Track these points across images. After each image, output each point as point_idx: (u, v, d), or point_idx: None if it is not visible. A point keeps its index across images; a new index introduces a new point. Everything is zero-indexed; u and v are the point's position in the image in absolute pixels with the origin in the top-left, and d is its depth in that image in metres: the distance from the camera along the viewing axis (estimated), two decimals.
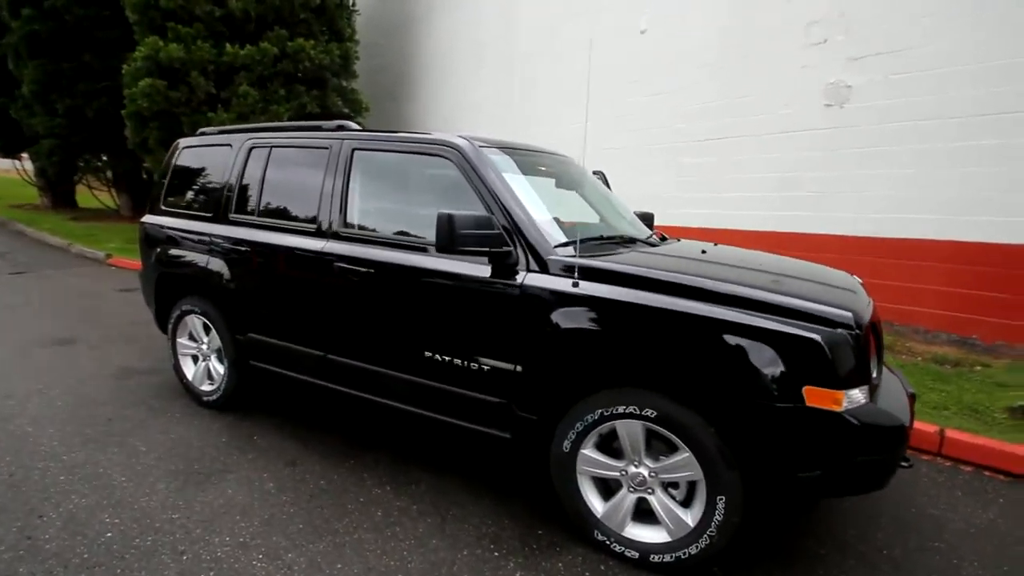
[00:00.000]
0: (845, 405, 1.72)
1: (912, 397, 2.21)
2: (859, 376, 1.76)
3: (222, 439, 2.99)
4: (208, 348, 3.35)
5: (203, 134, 3.53)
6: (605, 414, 2.02)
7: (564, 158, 3.15)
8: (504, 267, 2.20)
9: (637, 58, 7.39)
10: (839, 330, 1.75)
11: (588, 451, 2.11)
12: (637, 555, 2.05)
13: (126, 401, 3.45)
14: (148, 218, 3.58)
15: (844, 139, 5.43)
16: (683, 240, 2.98)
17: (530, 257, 2.18)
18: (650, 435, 2.01)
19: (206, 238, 3.14)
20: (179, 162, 3.48)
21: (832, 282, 2.22)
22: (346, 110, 10.96)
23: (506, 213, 2.24)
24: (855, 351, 1.74)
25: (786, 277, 2.15)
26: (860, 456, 1.75)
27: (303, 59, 9.39)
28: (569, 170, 3.09)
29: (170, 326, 3.44)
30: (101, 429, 3.06)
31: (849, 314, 1.78)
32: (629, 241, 2.59)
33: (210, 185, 3.26)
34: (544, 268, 2.16)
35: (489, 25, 10.07)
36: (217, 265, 3.07)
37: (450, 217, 2.04)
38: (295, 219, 2.87)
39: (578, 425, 2.08)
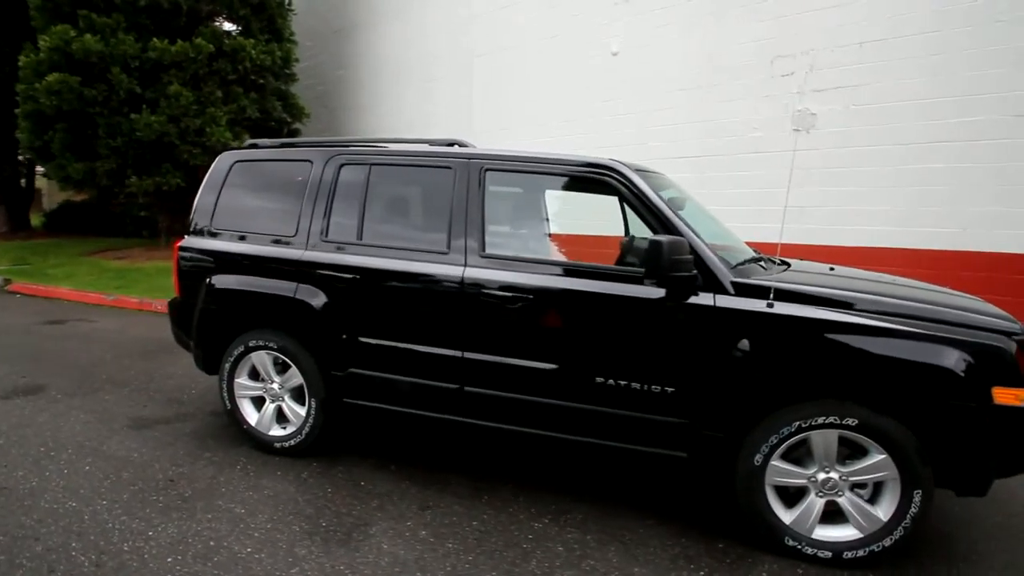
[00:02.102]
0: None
1: None
2: None
3: (327, 489, 2.68)
4: (281, 388, 2.97)
5: (256, 146, 3.15)
6: (803, 425, 2.15)
7: (661, 175, 3.25)
8: (683, 290, 2.25)
9: (608, 78, 7.76)
10: (1015, 338, 2.05)
11: (777, 462, 2.22)
12: (830, 554, 2.19)
13: (171, 456, 2.95)
14: (191, 241, 3.09)
15: (811, 160, 6.17)
16: (802, 260, 3.15)
17: (711, 279, 2.25)
18: (840, 441, 2.17)
19: (291, 264, 2.80)
20: (233, 179, 3.06)
21: (970, 298, 2.54)
22: (286, 115, 10.24)
23: (679, 236, 2.30)
24: None
25: (938, 295, 2.43)
26: None
27: (243, 59, 8.64)
28: (675, 186, 3.18)
29: (226, 365, 3.00)
30: (171, 494, 2.59)
31: (1019, 325, 2.08)
32: (760, 260, 2.74)
33: (288, 205, 2.91)
34: (723, 289, 2.25)
35: (441, 36, 9.96)
36: (309, 294, 2.75)
37: (665, 243, 2.06)
38: (415, 243, 2.67)
39: (772, 438, 2.19)
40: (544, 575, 2.11)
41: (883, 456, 2.10)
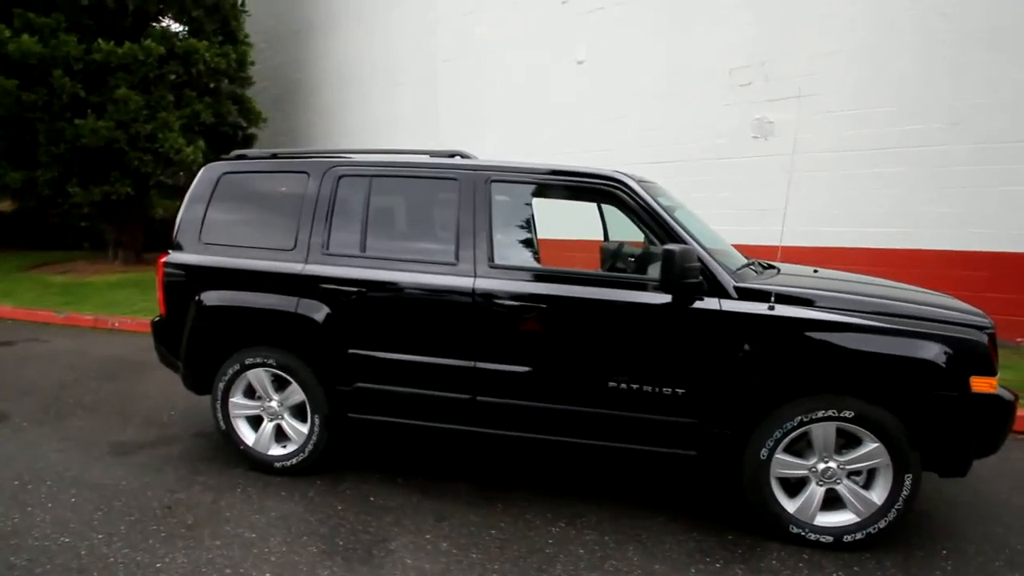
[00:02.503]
0: (997, 388, 2.23)
1: None
2: (997, 366, 2.29)
3: (337, 507, 2.63)
4: (280, 405, 2.88)
5: (245, 157, 3.05)
6: (804, 420, 2.30)
7: (655, 184, 3.36)
8: (691, 296, 2.36)
9: (575, 85, 7.92)
10: (986, 331, 2.26)
11: (781, 455, 2.36)
12: (832, 539, 2.34)
13: (163, 482, 2.81)
14: (177, 257, 2.95)
15: (771, 165, 6.52)
16: (787, 263, 3.29)
17: (715, 285, 2.37)
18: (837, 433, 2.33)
19: (291, 279, 2.73)
20: (222, 191, 2.95)
21: (941, 296, 2.75)
22: (241, 120, 9.88)
23: (685, 242, 2.40)
24: (995, 348, 2.27)
25: (914, 293, 2.64)
26: (1004, 424, 2.27)
27: (196, 62, 8.28)
28: (667, 194, 3.28)
29: (220, 385, 2.89)
30: (172, 522, 2.47)
31: (989, 320, 2.30)
32: (751, 265, 2.88)
33: (284, 218, 2.83)
34: (726, 294, 2.37)
35: (406, 40, 9.87)
36: (311, 309, 2.69)
37: (680, 252, 2.16)
38: (422, 255, 2.66)
39: (776, 433, 2.32)
40: None
41: (876, 444, 2.27)
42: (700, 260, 2.35)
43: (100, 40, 7.60)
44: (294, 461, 2.86)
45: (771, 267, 2.92)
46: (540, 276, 2.53)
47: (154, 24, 8.27)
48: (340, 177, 2.79)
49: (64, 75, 7.36)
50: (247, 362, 2.84)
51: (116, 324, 6.19)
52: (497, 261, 2.57)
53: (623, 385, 2.43)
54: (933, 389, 2.20)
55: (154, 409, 3.82)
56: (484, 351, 2.56)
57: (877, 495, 2.32)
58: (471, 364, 2.57)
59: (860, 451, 2.31)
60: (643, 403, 2.42)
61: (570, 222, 4.55)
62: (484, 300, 2.52)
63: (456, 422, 2.66)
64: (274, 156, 3.03)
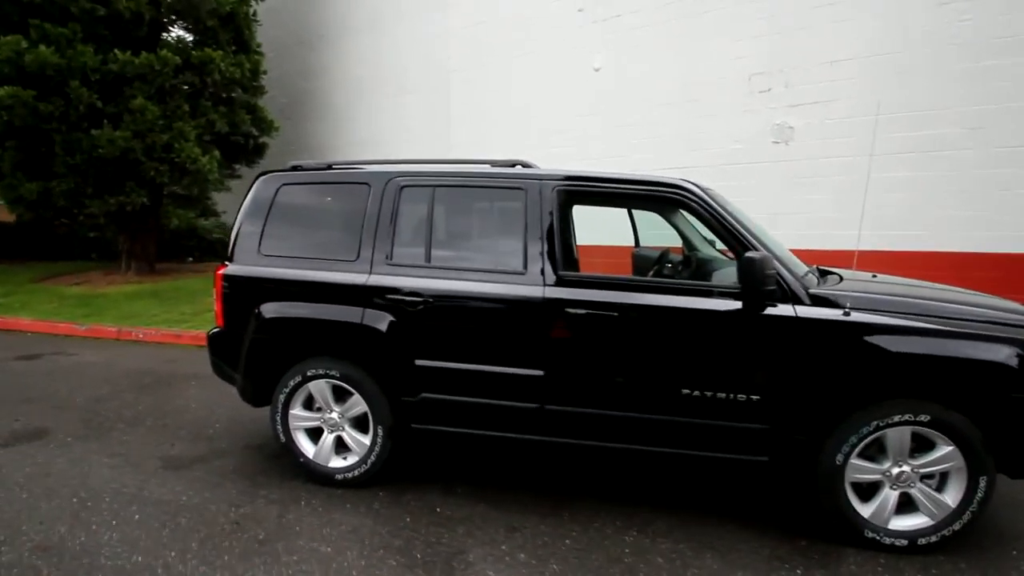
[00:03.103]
0: None
1: None
2: None
3: (405, 519, 2.61)
4: (341, 417, 2.87)
5: (300, 168, 3.05)
6: (881, 424, 2.31)
7: (714, 191, 3.34)
8: (763, 303, 2.38)
9: (591, 93, 7.97)
10: None
11: (856, 460, 2.37)
12: (906, 542, 2.36)
13: (225, 497, 2.79)
14: (236, 269, 2.95)
15: (790, 170, 6.58)
16: (846, 269, 3.30)
17: (789, 291, 2.39)
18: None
19: (355, 290, 2.73)
20: (280, 203, 2.95)
21: (995, 298, 2.77)
22: (253, 129, 9.88)
23: (756, 248, 2.42)
24: None
25: (970, 296, 2.67)
26: None
27: (212, 71, 8.28)
28: (729, 201, 3.26)
29: (281, 397, 2.87)
30: (243, 537, 2.45)
31: None
32: (812, 271, 2.89)
33: (346, 229, 2.84)
34: (800, 300, 2.39)
35: (416, 51, 9.92)
36: (376, 319, 2.69)
37: (760, 260, 2.18)
38: (488, 264, 2.67)
39: (853, 438, 2.34)
40: None
41: (951, 448, 2.29)
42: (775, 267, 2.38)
43: (116, 50, 7.58)
44: (356, 473, 2.85)
45: (830, 273, 2.95)
46: (610, 284, 2.54)
47: (169, 34, 8.26)
48: (402, 187, 2.80)
49: (81, 85, 7.33)
50: (309, 374, 2.83)
51: (140, 335, 6.14)
52: (566, 270, 2.58)
53: (696, 392, 2.44)
54: (1008, 391, 2.23)
55: (198, 422, 3.79)
56: (553, 360, 2.56)
57: (951, 498, 2.33)
58: (541, 373, 2.58)
59: (934, 455, 2.32)
60: (716, 410, 2.43)
61: (599, 228, 4.61)
62: (555, 309, 2.53)
63: (523, 431, 2.66)
64: (330, 167, 3.04)
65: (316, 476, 2.91)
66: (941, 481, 2.38)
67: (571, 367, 2.55)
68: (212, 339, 3.09)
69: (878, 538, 2.38)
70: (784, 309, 2.37)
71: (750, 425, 2.42)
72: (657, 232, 4.22)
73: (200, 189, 8.55)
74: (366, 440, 2.85)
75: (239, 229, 3.00)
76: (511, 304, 2.59)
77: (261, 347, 2.88)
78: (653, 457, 2.57)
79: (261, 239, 2.94)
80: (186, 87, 8.28)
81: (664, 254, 3.73)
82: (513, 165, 2.82)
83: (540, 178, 2.67)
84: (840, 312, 2.33)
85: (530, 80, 8.48)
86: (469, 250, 2.76)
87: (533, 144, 8.46)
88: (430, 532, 2.51)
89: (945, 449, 2.31)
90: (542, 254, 2.59)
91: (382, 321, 2.69)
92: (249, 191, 3.06)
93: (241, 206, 3.05)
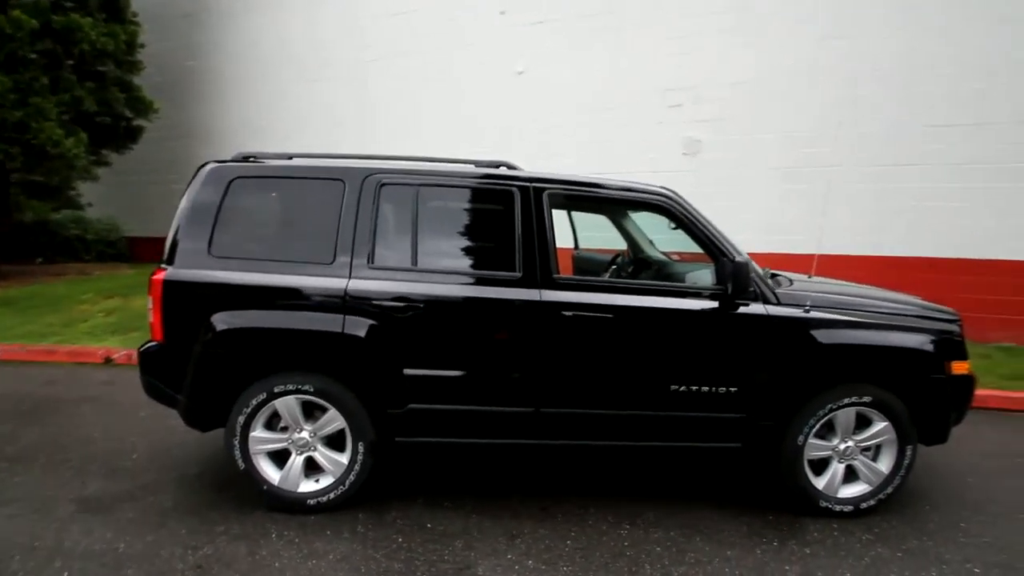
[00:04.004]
0: (969, 369, 2.76)
1: None
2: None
3: (397, 539, 2.45)
4: (313, 436, 2.61)
5: (254, 159, 2.72)
6: (833, 407, 2.64)
7: None
8: (733, 303, 2.60)
9: (515, 95, 8.06)
10: (958, 323, 2.79)
11: (813, 439, 2.69)
12: (852, 508, 2.72)
13: (175, 539, 2.41)
14: (180, 273, 2.53)
15: (697, 180, 7.21)
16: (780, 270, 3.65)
17: (762, 293, 2.63)
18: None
19: (335, 295, 2.49)
20: (235, 197, 2.60)
21: (914, 297, 3.24)
22: (127, 110, 8.61)
23: (729, 253, 2.64)
24: (964, 336, 2.81)
25: (895, 294, 3.12)
26: (971, 398, 2.82)
27: (80, 40, 7.08)
28: None
29: (240, 418, 2.54)
30: None
31: (958, 314, 2.84)
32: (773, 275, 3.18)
33: (318, 228, 2.57)
34: (770, 300, 2.64)
35: (333, 31, 9.26)
36: (359, 327, 2.48)
37: (744, 265, 2.38)
38: (481, 268, 2.59)
39: (812, 420, 2.64)
40: (665, 575, 2.27)
41: (885, 423, 2.69)
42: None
43: None
44: (331, 496, 2.61)
45: (778, 275, 3.30)
46: (603, 287, 2.61)
47: None
48: (381, 185, 2.61)
49: None
50: (276, 390, 2.53)
51: (1, 355, 5.05)
52: (557, 274, 2.60)
53: (683, 388, 2.59)
54: (929, 373, 2.67)
55: (109, 454, 3.21)
56: (550, 362, 2.57)
57: (885, 466, 2.74)
58: (536, 376, 2.57)
59: (872, 430, 2.71)
60: (700, 403, 2.61)
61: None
62: (551, 312, 2.53)
63: (518, 436, 2.63)
64: (291, 159, 2.75)
65: (283, 504, 2.62)
66: (876, 452, 2.77)
67: (567, 368, 2.58)
68: (147, 356, 2.63)
69: (830, 506, 2.72)
70: (756, 308, 2.62)
71: (729, 415, 2.64)
72: (592, 234, 4.41)
73: (63, 177, 7.22)
74: (343, 459, 2.62)
75: (181, 227, 2.59)
76: (508, 308, 2.54)
77: (215, 363, 2.52)
78: (641, 451, 2.69)
79: (211, 239, 2.57)
80: (63, 58, 6.93)
81: (617, 257, 3.90)
82: (498, 166, 2.77)
83: (530, 181, 2.66)
84: (802, 310, 2.62)
85: (456, 76, 8.37)
86: (457, 253, 2.66)
87: (458, 140, 8.35)
88: (428, 550, 2.38)
89: (880, 425, 2.70)
90: (537, 257, 2.58)
91: (365, 329, 2.49)
92: (191, 184, 2.66)
93: (182, 201, 2.64)
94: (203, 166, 2.70)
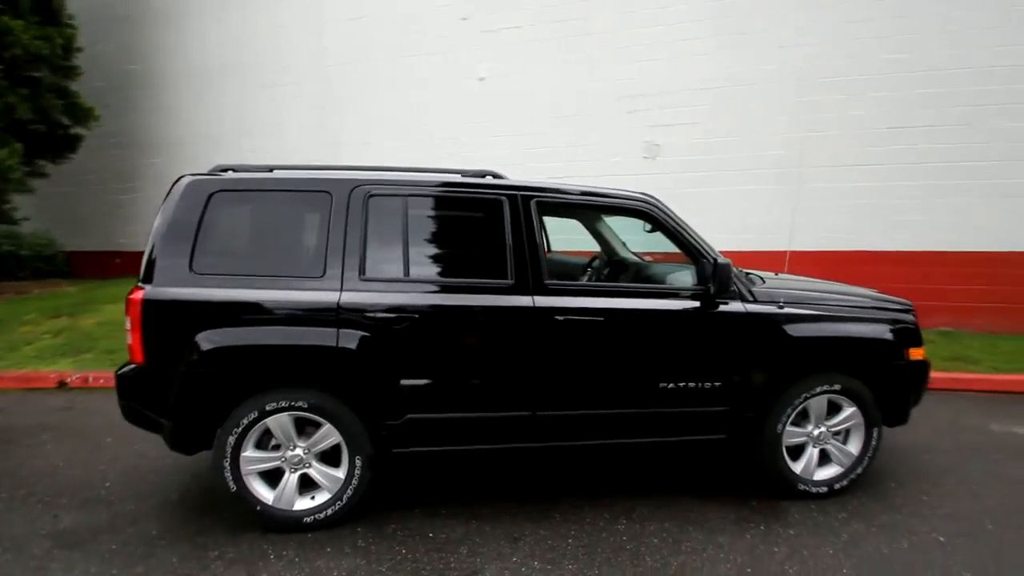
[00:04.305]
0: (924, 355, 3.01)
1: None
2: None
3: (400, 551, 2.45)
4: (307, 452, 2.57)
5: (231, 171, 2.64)
6: (807, 395, 2.82)
7: None
8: (714, 302, 2.74)
9: (479, 101, 8.09)
10: (913, 312, 3.03)
11: (790, 427, 2.86)
12: (826, 489, 2.91)
13: (166, 567, 2.32)
14: (162, 291, 2.43)
15: (656, 183, 7.45)
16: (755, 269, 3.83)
17: (740, 291, 2.78)
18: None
19: (328, 309, 2.46)
20: (215, 212, 2.52)
21: (869, 290, 3.47)
22: (64, 118, 8.12)
23: (708, 255, 2.78)
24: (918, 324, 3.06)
25: (853, 288, 3.35)
26: (927, 381, 3.07)
27: (11, 44, 6.65)
28: None
29: (230, 439, 2.47)
30: None
31: (910, 302, 3.08)
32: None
33: (305, 241, 2.53)
34: (747, 299, 2.79)
35: (291, 35, 8.99)
36: (353, 340, 2.46)
37: (726, 266, 2.51)
38: (474, 276, 2.62)
39: (789, 409, 2.81)
40: (663, 566, 2.36)
41: (853, 408, 2.89)
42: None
43: None
44: (328, 512, 2.57)
45: (750, 274, 3.47)
46: (592, 291, 2.69)
47: None
48: (369, 196, 2.60)
49: None
50: (268, 408, 2.47)
51: None
52: (551, 280, 2.66)
53: (671, 385, 2.71)
54: (891, 360, 2.90)
55: (78, 484, 3.04)
56: (546, 367, 2.63)
57: (854, 448, 2.94)
58: (532, 381, 2.62)
59: (842, 415, 2.91)
60: (687, 399, 2.73)
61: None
62: (544, 318, 2.59)
63: (516, 440, 2.67)
64: (271, 171, 2.70)
65: (278, 523, 2.56)
66: (846, 436, 2.98)
67: (562, 372, 2.64)
68: (126, 380, 2.51)
69: (808, 489, 2.90)
70: (735, 306, 2.76)
71: (714, 408, 2.77)
72: (560, 237, 4.52)
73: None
74: (339, 473, 2.59)
75: (158, 244, 2.49)
76: (503, 315, 2.58)
77: (203, 383, 2.44)
78: (627, 448, 2.78)
79: (192, 255, 2.48)
80: None
81: (593, 260, 4.00)
82: (483, 175, 2.81)
83: (518, 189, 2.71)
84: (776, 307, 2.79)
85: (419, 82, 8.31)
86: (449, 262, 2.68)
87: (423, 146, 8.30)
88: (435, 559, 2.39)
89: (849, 410, 2.90)
90: (528, 265, 2.63)
91: (361, 342, 2.48)
92: (168, 199, 2.56)
93: (158, 216, 2.54)
94: (179, 180, 2.60)
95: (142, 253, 2.52)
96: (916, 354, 2.97)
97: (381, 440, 2.59)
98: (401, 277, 2.58)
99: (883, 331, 2.90)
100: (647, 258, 3.90)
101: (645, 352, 2.72)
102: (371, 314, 2.50)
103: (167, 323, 2.45)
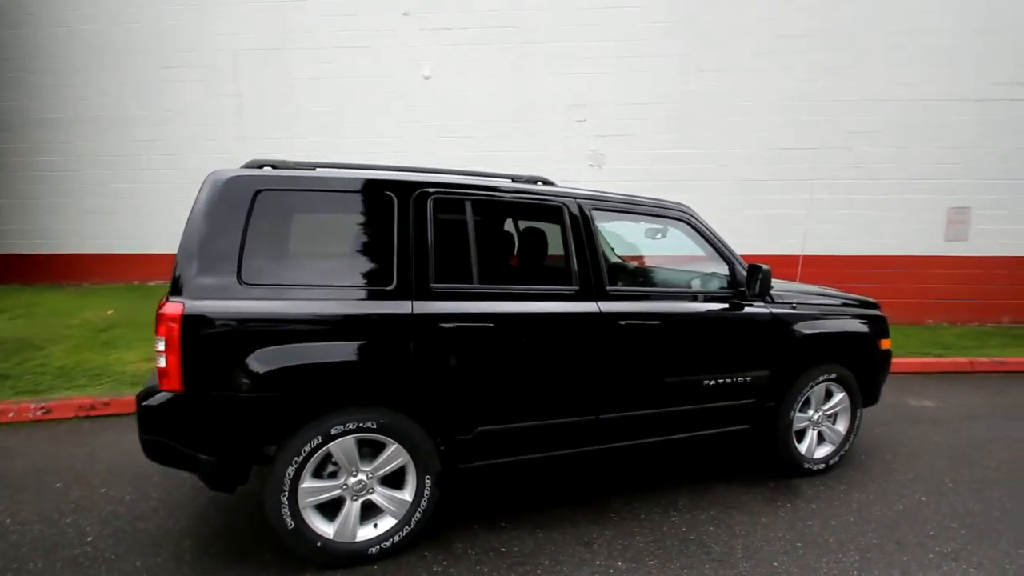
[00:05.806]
0: (889, 344, 3.57)
1: None
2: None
3: (483, 569, 2.36)
4: (371, 477, 2.36)
5: (274, 167, 2.34)
6: (812, 385, 3.21)
7: None
8: (741, 303, 3.02)
9: (422, 100, 7.86)
10: (880, 309, 3.58)
11: (800, 412, 3.23)
12: (823, 465, 3.33)
13: None
14: (206, 305, 2.07)
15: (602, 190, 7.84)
16: None
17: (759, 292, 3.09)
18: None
19: (401, 320, 2.28)
20: (263, 213, 2.21)
21: (838, 290, 4.00)
22: None
23: (739, 260, 3.04)
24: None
25: (829, 289, 3.83)
26: (889, 367, 3.64)
27: None
28: None
29: (289, 469, 2.19)
30: None
31: (879, 301, 3.63)
32: None
33: (369, 248, 2.32)
34: (771, 300, 3.11)
35: (186, 17, 7.99)
36: (428, 353, 2.32)
37: (769, 271, 2.77)
38: (540, 283, 2.59)
39: (798, 397, 3.18)
40: (730, 551, 2.54)
41: (843, 394, 3.35)
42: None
43: None
44: (397, 538, 2.40)
45: None
46: (647, 296, 2.81)
47: None
48: (434, 200, 2.46)
49: None
50: (333, 431, 2.24)
51: None
52: (611, 286, 2.73)
53: (713, 381, 2.93)
54: (871, 350, 3.40)
55: (50, 542, 2.48)
56: (609, 371, 2.69)
57: (843, 428, 3.41)
58: (597, 385, 2.67)
59: (834, 400, 3.35)
60: (724, 393, 2.97)
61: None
62: (609, 323, 2.65)
63: (576, 445, 2.71)
64: (313, 169, 2.44)
65: (341, 559, 2.33)
66: (835, 418, 3.43)
67: (623, 374, 2.73)
68: (156, 411, 2.11)
69: (811, 467, 3.29)
70: (762, 307, 3.06)
71: (743, 401, 3.05)
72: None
73: None
74: (405, 496, 2.43)
75: (200, 249, 2.13)
76: (570, 322, 2.60)
77: (261, 409, 2.14)
78: (680, 444, 2.95)
79: (240, 263, 2.16)
80: None
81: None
82: (535, 181, 2.80)
83: (573, 197, 2.75)
84: (790, 307, 3.14)
85: (350, 76, 7.85)
86: (513, 269, 2.63)
87: (350, 146, 7.85)
88: (522, 574, 2.34)
89: (840, 395, 3.35)
90: (591, 272, 2.68)
91: (436, 354, 2.35)
92: (201, 198, 2.20)
93: (192, 218, 2.18)
94: (213, 176, 2.25)
95: None
96: (885, 344, 3.51)
97: (450, 456, 2.47)
98: (471, 285, 2.48)
99: (866, 325, 3.40)
100: (643, 263, 4.15)
101: (694, 352, 2.91)
102: (445, 324, 2.37)
103: (214, 342, 2.11)
